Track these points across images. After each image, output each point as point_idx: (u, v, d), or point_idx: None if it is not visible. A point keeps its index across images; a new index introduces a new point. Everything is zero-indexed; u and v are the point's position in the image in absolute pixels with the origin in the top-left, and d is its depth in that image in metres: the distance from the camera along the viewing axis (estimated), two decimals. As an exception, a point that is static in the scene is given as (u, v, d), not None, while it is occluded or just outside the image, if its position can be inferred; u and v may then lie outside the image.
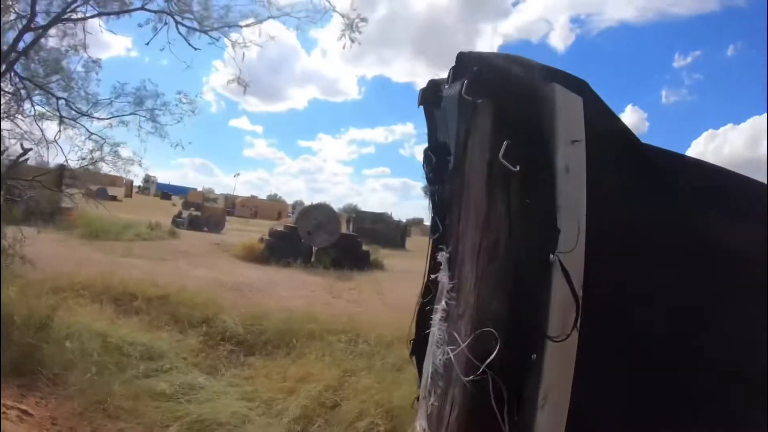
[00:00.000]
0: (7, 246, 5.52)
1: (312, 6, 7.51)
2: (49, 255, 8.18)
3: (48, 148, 6.86)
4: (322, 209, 18.45)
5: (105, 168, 7.18)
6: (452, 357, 0.92)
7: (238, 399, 4.57)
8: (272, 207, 57.09)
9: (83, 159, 6.98)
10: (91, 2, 6.74)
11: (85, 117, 7.00)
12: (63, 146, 6.99)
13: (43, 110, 7.00)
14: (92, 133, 7.08)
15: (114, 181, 19.80)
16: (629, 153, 1.05)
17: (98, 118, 7.08)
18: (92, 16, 6.93)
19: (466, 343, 0.87)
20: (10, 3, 6.28)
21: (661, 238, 1.06)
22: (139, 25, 7.27)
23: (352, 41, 7.59)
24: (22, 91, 6.56)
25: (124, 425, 3.88)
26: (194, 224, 23.44)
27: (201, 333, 6.41)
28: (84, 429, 3.85)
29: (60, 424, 3.84)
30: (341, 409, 4.62)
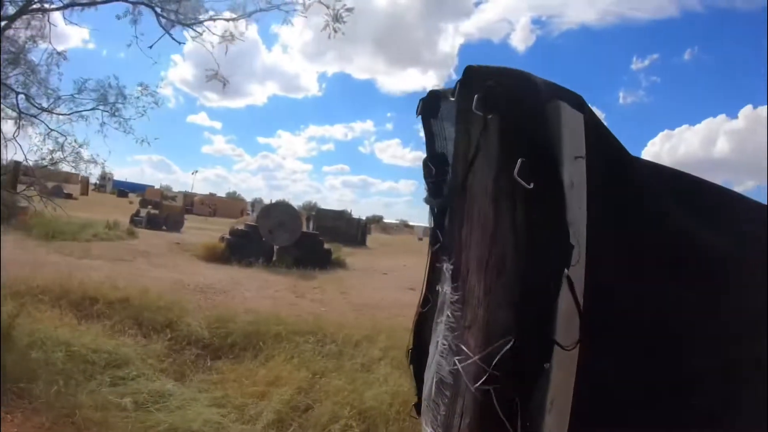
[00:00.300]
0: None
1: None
2: (4, 258, 7.84)
3: (6, 146, 6.53)
4: (283, 207, 18.28)
5: (66, 167, 6.91)
6: (460, 367, 0.95)
7: (209, 405, 4.49)
8: (231, 205, 56.15)
9: (43, 159, 6.70)
10: None
11: (46, 113, 6.70)
12: (21, 144, 6.67)
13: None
14: (52, 130, 6.78)
15: (69, 178, 19.07)
16: (622, 167, 1.10)
17: (59, 114, 6.79)
18: (64, 7, 6.62)
19: (477, 354, 0.90)
20: None
21: (651, 248, 1.11)
22: (118, 17, 7.01)
23: (336, 31, 7.50)
24: None
25: (95, 438, 3.77)
26: (153, 223, 22.83)
27: (166, 337, 6.25)
28: (53, 444, 3.74)
29: (28, 440, 3.71)
30: (314, 412, 4.61)
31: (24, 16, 6.32)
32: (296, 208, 20.82)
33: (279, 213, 17.37)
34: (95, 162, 7.06)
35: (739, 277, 1.28)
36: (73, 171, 7.20)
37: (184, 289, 9.28)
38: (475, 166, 0.98)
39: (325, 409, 4.55)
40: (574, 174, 0.92)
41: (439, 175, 1.14)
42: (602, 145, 1.05)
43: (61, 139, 6.74)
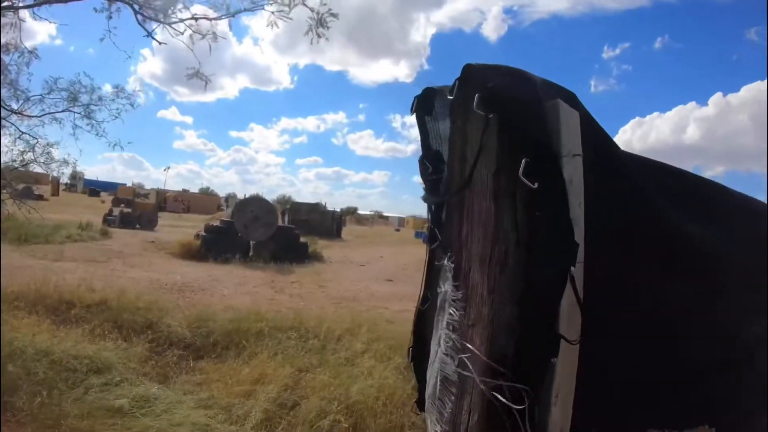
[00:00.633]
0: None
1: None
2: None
3: None
4: (258, 202, 18.09)
5: (38, 168, 6.71)
6: (469, 364, 0.95)
7: (195, 407, 4.41)
8: (206, 201, 55.43)
9: (14, 161, 6.49)
10: None
11: (16, 115, 6.48)
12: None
13: None
14: (23, 133, 6.57)
15: (39, 179, 18.50)
16: (614, 163, 1.11)
17: (29, 116, 6.57)
18: (38, 4, 6.37)
19: (483, 352, 0.90)
20: None
21: (643, 245, 1.13)
22: (95, 10, 6.77)
23: (320, 36, 7.39)
24: None
25: (82, 448, 3.69)
26: (126, 222, 22.39)
27: (146, 339, 6.12)
28: (41, 457, 3.65)
29: (15, 455, 3.61)
30: (302, 408, 4.57)
31: None
32: (271, 202, 20.63)
33: (254, 207, 17.18)
34: (67, 162, 6.89)
35: (729, 270, 1.32)
36: (45, 172, 7.00)
37: (161, 289, 9.11)
38: (478, 164, 0.98)
39: (313, 405, 4.52)
40: (572, 171, 0.93)
41: (435, 173, 1.14)
42: (596, 142, 1.07)
43: (32, 141, 6.55)
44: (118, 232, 19.30)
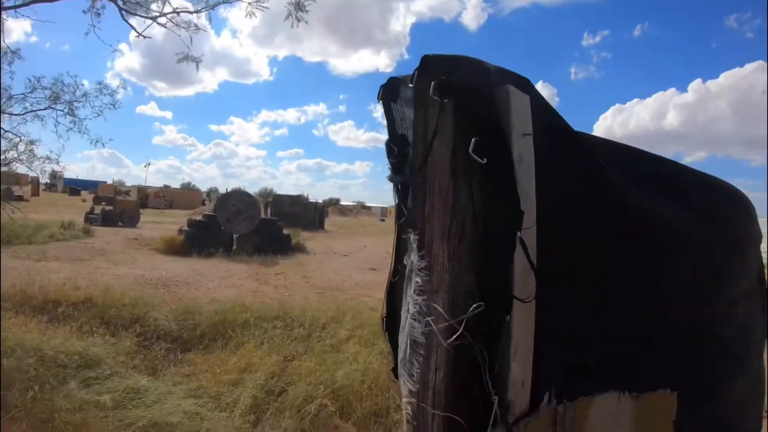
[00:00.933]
0: None
1: None
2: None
3: None
4: (240, 195, 18.10)
5: (22, 168, 6.68)
6: (434, 326, 1.06)
7: (185, 397, 4.52)
8: (189, 196, 55.06)
9: None
10: None
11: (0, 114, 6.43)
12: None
13: None
14: (6, 131, 6.53)
15: (19, 179, 18.28)
16: (565, 141, 1.22)
17: (12, 114, 6.53)
18: (24, 4, 6.31)
19: (447, 314, 1.01)
20: None
21: (593, 214, 1.24)
22: (84, 12, 6.75)
23: (299, 20, 7.41)
24: None
25: (77, 440, 3.77)
26: (108, 220, 22.28)
27: (134, 334, 6.20)
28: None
29: (9, 449, 3.68)
30: (289, 394, 4.70)
31: None
32: (253, 195, 20.62)
33: (236, 201, 17.19)
34: (50, 159, 6.88)
35: (679, 239, 1.45)
36: (28, 171, 6.96)
37: (146, 285, 9.16)
38: (434, 145, 1.08)
39: (300, 391, 4.65)
40: (522, 149, 1.03)
41: (400, 155, 1.24)
42: (547, 123, 1.17)
43: (15, 140, 6.53)
44: (101, 231, 19.20)
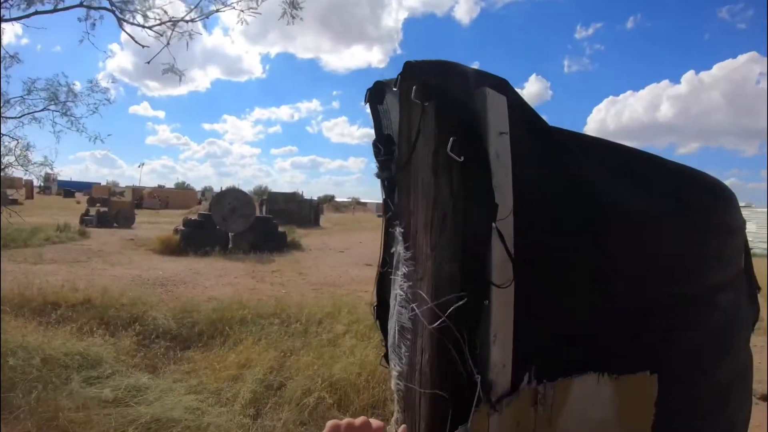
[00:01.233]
0: None
1: None
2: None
3: None
4: (235, 194, 18.13)
5: (18, 172, 6.73)
6: (419, 312, 1.15)
7: (186, 394, 4.62)
8: (184, 195, 55.01)
9: None
10: None
11: None
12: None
13: None
14: (3, 135, 6.58)
15: (12, 182, 18.24)
16: (542, 138, 1.31)
17: (9, 118, 6.57)
18: (26, 16, 6.34)
19: (431, 300, 1.10)
20: None
21: (569, 205, 1.32)
22: (79, 20, 6.81)
23: (294, 18, 7.49)
24: None
25: (82, 438, 3.85)
26: (103, 221, 22.31)
27: (134, 333, 6.30)
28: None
29: (15, 447, 3.75)
30: (287, 388, 4.80)
31: None
32: (248, 193, 20.67)
33: (231, 199, 17.22)
34: (46, 164, 6.92)
35: (658, 227, 1.55)
36: (24, 174, 7.00)
37: (144, 285, 9.23)
38: (417, 145, 1.17)
39: (298, 385, 4.75)
40: (498, 147, 1.12)
41: (386, 153, 1.33)
42: (524, 121, 1.25)
43: (12, 144, 6.56)
44: (96, 232, 19.24)
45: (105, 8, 6.94)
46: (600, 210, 1.41)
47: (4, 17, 6.39)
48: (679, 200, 1.72)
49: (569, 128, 1.47)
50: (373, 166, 1.38)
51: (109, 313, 6.75)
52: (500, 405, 1.14)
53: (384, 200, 1.38)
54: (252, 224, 17.25)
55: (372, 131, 1.38)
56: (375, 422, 1.18)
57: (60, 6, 6.94)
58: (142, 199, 47.69)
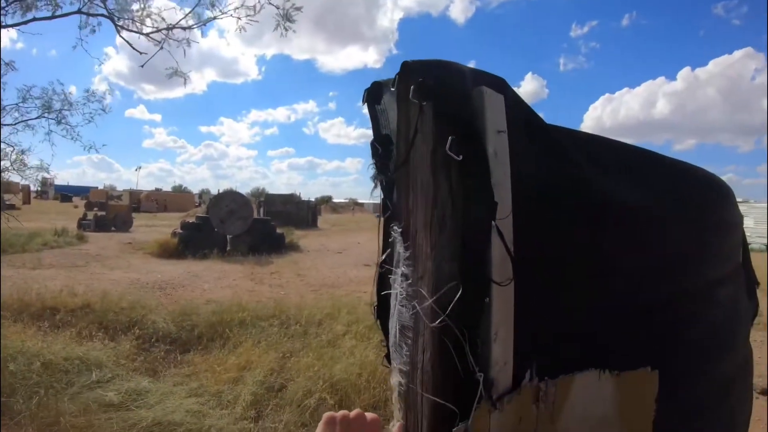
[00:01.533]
0: None
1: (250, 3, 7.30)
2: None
3: None
4: (233, 196, 18.10)
5: (14, 177, 6.73)
6: (420, 310, 1.15)
7: (186, 397, 4.62)
8: (182, 198, 55.00)
9: None
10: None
11: None
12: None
13: None
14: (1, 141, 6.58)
15: (9, 187, 18.24)
16: (539, 136, 1.31)
17: (3, 125, 6.57)
18: (24, 22, 6.35)
19: (432, 297, 1.10)
20: None
21: (567, 203, 1.33)
22: (80, 27, 6.82)
23: (287, 30, 7.56)
24: None
25: (83, 443, 3.85)
26: (101, 225, 22.30)
27: (133, 337, 6.30)
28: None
29: (17, 453, 3.75)
30: (288, 390, 4.80)
31: None
32: (245, 195, 20.66)
33: (229, 202, 17.21)
34: (41, 168, 6.93)
35: (657, 223, 1.55)
36: (20, 179, 7.02)
37: (143, 288, 9.22)
38: (416, 144, 1.17)
39: (299, 386, 4.75)
40: (497, 145, 1.12)
41: (385, 153, 1.33)
42: (522, 120, 1.26)
43: (8, 149, 6.57)
44: (94, 236, 19.22)
45: (103, 15, 6.95)
46: (598, 207, 1.42)
47: (3, 24, 6.40)
48: (677, 196, 1.72)
49: (566, 126, 1.48)
50: (371, 166, 1.38)
51: (108, 317, 6.74)
52: (501, 402, 1.14)
53: (382, 200, 1.39)
54: (250, 226, 17.24)
55: (369, 132, 1.38)
56: (370, 415, 1.20)
57: (58, 13, 6.94)
58: (140, 202, 47.68)
